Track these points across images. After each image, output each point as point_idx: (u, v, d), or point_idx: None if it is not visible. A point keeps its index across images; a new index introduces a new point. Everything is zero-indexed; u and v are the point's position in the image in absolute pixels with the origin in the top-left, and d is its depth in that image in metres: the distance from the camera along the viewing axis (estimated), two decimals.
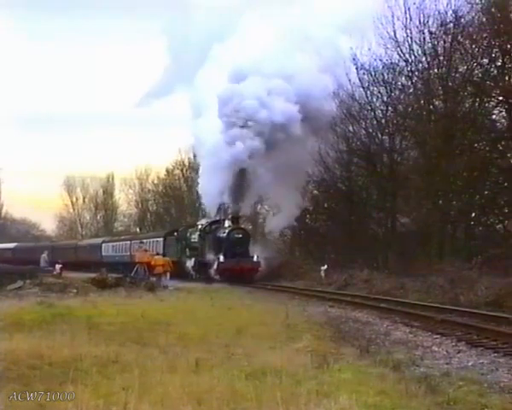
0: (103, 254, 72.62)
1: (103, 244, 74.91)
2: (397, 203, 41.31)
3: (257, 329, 17.78)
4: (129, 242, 68.18)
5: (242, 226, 51.80)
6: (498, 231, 38.65)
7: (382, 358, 13.72)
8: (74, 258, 75.61)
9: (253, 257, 47.24)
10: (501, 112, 35.00)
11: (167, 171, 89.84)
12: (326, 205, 48.77)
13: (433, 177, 36.93)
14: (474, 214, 40.43)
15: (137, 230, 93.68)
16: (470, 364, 13.87)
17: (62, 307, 22.79)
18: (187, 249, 55.19)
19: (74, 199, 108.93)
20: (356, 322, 21.54)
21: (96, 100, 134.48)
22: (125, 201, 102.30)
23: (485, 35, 32.58)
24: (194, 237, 54.19)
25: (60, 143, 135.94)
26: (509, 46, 32.46)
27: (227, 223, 50.23)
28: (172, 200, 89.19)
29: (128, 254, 64.61)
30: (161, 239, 60.02)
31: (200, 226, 54.34)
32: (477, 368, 13.38)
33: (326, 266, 41.35)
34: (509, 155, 34.15)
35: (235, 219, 49.85)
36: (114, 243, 73.18)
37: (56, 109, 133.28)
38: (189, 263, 53.61)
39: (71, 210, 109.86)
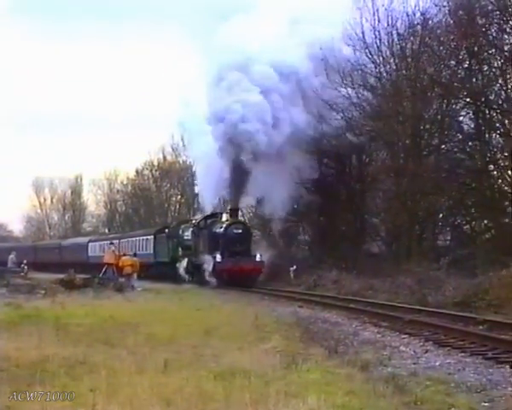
0: (89, 254, 68.59)
1: (90, 244, 70.59)
2: (366, 204, 41.47)
3: (226, 329, 17.78)
4: (117, 241, 62.80)
5: (242, 220, 45.78)
6: (466, 231, 38.93)
7: (350, 358, 13.77)
8: (58, 259, 72.63)
9: (255, 256, 41.40)
10: (468, 113, 35.27)
11: (136, 171, 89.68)
12: (295, 206, 48.86)
13: (401, 177, 37.15)
14: (441, 215, 40.72)
15: (106, 230, 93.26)
16: (437, 364, 13.96)
17: (30, 309, 22.68)
18: (179, 248, 49.79)
19: (42, 200, 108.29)
20: (325, 322, 21.58)
21: (65, 101, 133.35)
22: (93, 201, 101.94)
23: (452, 37, 32.81)
24: (188, 235, 48.50)
25: (28, 144, 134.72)
26: (475, 48, 32.72)
27: (225, 217, 44.45)
28: (141, 200, 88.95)
29: (117, 254, 61.63)
30: (151, 237, 55.92)
31: (193, 222, 49.13)
32: (444, 368, 13.46)
33: (295, 267, 41.40)
34: (476, 156, 34.38)
35: (234, 212, 43.74)
36: (102, 243, 67.86)
37: (25, 110, 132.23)
38: (181, 264, 48.31)
39: (39, 211, 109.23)
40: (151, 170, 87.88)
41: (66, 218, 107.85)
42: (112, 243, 50.74)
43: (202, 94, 45.05)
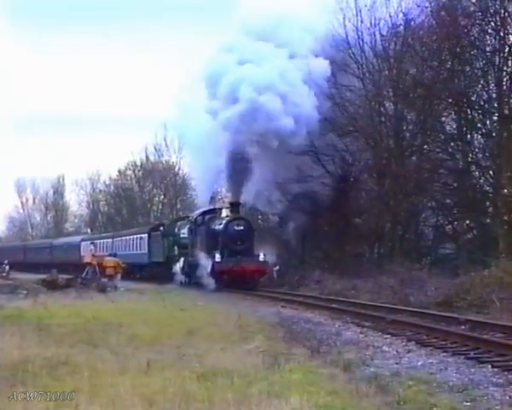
0: (82, 254, 62.16)
1: (82, 243, 66.48)
2: (348, 204, 41.52)
3: (209, 330, 17.78)
4: (111, 240, 61.77)
5: (244, 216, 41.10)
6: (448, 232, 39.08)
7: (333, 358, 13.79)
8: (49, 259, 70.06)
9: (258, 256, 37.65)
10: (450, 114, 35.40)
11: (119, 171, 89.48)
12: (278, 206, 48.81)
13: (383, 178, 37.27)
14: (423, 215, 40.87)
15: (88, 230, 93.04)
16: (420, 363, 14.00)
17: (12, 309, 22.64)
18: (175, 247, 46.32)
19: (24, 200, 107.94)
20: (307, 322, 21.59)
21: (47, 101, 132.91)
22: (75, 201, 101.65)
23: (434, 38, 32.93)
24: (184, 232, 44.98)
25: (10, 145, 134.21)
26: (458, 49, 32.85)
27: (224, 212, 40.90)
28: (124, 200, 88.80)
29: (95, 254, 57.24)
30: (145, 236, 52.65)
31: (191, 218, 45.14)
32: (426, 368, 13.50)
33: (278, 267, 41.34)
34: (458, 156, 34.52)
35: (235, 207, 40.02)
36: (95, 242, 62.20)
37: (6, 110, 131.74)
38: (177, 264, 44.74)
39: (21, 211, 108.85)
40: (134, 170, 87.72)
41: (49, 218, 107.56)
42: (92, 243, 49.68)
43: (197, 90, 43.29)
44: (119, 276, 40.92)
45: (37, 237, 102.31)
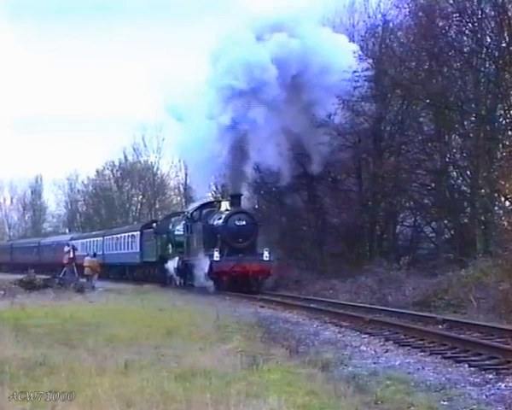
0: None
1: (72, 242, 60.51)
2: (326, 204, 41.56)
3: (187, 330, 17.77)
4: (101, 238, 59.45)
5: (246, 210, 37.22)
6: (425, 232, 39.23)
7: (311, 358, 13.82)
8: (37, 259, 67.46)
9: (262, 254, 34.44)
10: (428, 114, 35.52)
11: (97, 171, 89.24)
12: (256, 206, 48.71)
13: (362, 178, 37.37)
14: (401, 215, 41.01)
15: (66, 230, 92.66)
16: (397, 363, 14.06)
17: None
18: (169, 246, 43.01)
19: (2, 200, 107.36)
20: (286, 322, 21.64)
21: (25, 101, 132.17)
22: (54, 202, 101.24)
23: (412, 39, 33.04)
24: (179, 229, 41.28)
25: None
26: (435, 50, 32.97)
27: (224, 205, 36.92)
28: (103, 200, 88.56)
29: (101, 252, 55.61)
30: (137, 234, 49.69)
31: (186, 213, 41.51)
32: (404, 367, 13.56)
33: None
34: (435, 156, 34.65)
35: (236, 200, 36.53)
36: (85, 241, 63.02)
37: None
38: (171, 264, 41.51)
39: None
40: (112, 170, 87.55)
41: (27, 218, 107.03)
42: (68, 245, 48.46)
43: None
44: (96, 276, 40.81)
45: (14, 237, 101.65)
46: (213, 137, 36.92)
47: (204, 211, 38.44)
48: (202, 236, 36.73)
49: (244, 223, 35.00)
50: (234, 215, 35.17)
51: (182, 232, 40.36)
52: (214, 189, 50.24)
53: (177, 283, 40.42)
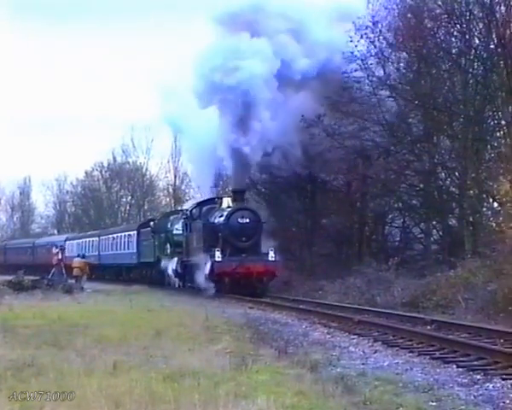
0: (66, 254, 55.99)
1: (67, 242, 61.83)
2: (316, 205, 41.62)
3: (176, 331, 17.75)
4: (97, 238, 57.78)
5: (250, 206, 34.75)
6: (414, 232, 39.33)
7: (300, 359, 13.82)
8: (31, 260, 66.26)
9: (267, 254, 32.24)
10: (417, 115, 35.57)
11: (86, 172, 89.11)
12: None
13: (351, 179, 37.40)
14: (390, 216, 41.11)
15: (55, 231, 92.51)
16: (386, 364, 14.08)
17: None
18: (167, 245, 40.93)
19: None
20: (275, 323, 21.64)
21: (13, 101, 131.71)
22: (42, 202, 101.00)
23: (401, 40, 33.07)
24: (178, 228, 39.13)
25: None
26: (424, 51, 33.04)
27: (226, 202, 34.57)
28: (91, 201, 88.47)
29: (96, 253, 55.47)
30: (134, 233, 47.83)
31: (185, 211, 39.18)
32: (392, 368, 13.58)
33: None
34: (424, 158, 34.72)
35: (239, 195, 34.15)
36: (80, 241, 61.61)
37: None
38: (169, 265, 39.52)
39: None
40: (101, 171, 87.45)
41: (15, 219, 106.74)
42: (56, 246, 47.25)
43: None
44: (85, 277, 40.75)
45: (2, 238, 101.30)
46: (214, 127, 35.33)
47: (204, 208, 36.35)
48: (202, 235, 34.54)
49: (247, 220, 32.68)
50: (236, 212, 32.88)
51: (181, 231, 38.36)
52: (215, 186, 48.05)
53: (176, 285, 38.62)
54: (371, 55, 33.24)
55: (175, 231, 39.71)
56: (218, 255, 31.75)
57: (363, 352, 15.61)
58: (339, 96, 34.73)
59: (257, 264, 31.82)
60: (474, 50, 32.41)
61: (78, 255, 44.81)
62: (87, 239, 60.98)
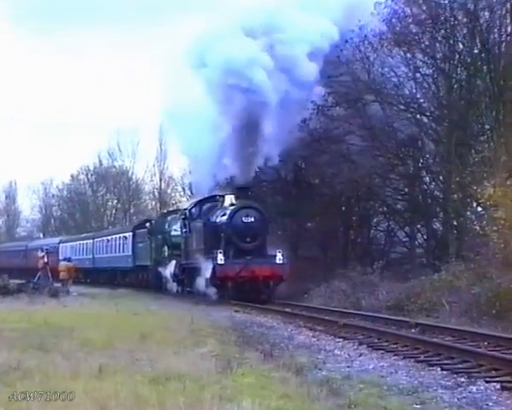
0: (60, 257, 54.37)
1: (61, 245, 60.73)
2: (301, 209, 41.67)
3: (162, 334, 17.71)
4: (91, 241, 55.89)
5: (255, 204, 31.56)
6: (399, 236, 39.43)
7: (285, 362, 13.80)
8: (24, 263, 63.86)
9: (274, 256, 29.97)
10: (402, 120, 35.66)
11: (72, 176, 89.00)
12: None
13: (335, 183, 37.44)
14: (375, 220, 41.20)
15: (41, 235, 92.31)
16: (371, 367, 14.09)
17: None
18: (165, 248, 38.36)
19: None
20: (260, 326, 21.64)
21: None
22: (28, 206, 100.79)
23: (386, 44, 33.16)
24: (176, 229, 36.58)
25: None
26: (409, 55, 33.18)
27: (228, 199, 31.84)
28: (77, 205, 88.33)
29: (91, 256, 54.33)
30: (129, 235, 45.53)
31: (183, 210, 35.91)
32: (377, 371, 13.59)
33: None
34: (409, 162, 34.83)
35: (243, 193, 31.46)
36: (74, 244, 59.86)
37: None
38: (167, 269, 37.09)
39: None
40: (87, 174, 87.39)
41: (1, 223, 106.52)
42: (42, 250, 46.70)
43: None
44: (71, 281, 40.68)
45: None
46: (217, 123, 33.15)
47: (204, 207, 33.65)
48: (203, 235, 31.95)
49: (252, 219, 30.21)
50: (240, 210, 30.38)
51: (179, 232, 35.78)
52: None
53: (174, 290, 36.21)
54: (356, 60, 33.27)
55: (173, 232, 37.51)
56: (220, 258, 29.55)
57: (349, 355, 15.61)
58: (324, 100, 34.76)
59: (263, 267, 29.60)
60: (458, 55, 32.58)
61: (65, 259, 44.67)
62: (81, 242, 59.40)
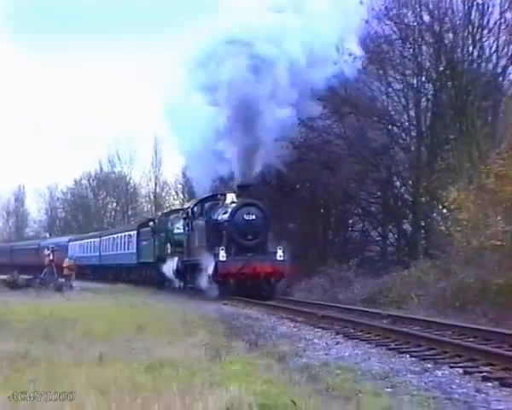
0: (69, 255, 52.47)
1: (70, 244, 59.60)
2: (283, 211, 41.67)
3: (157, 325, 17.68)
4: (98, 239, 54.38)
5: (256, 202, 29.79)
6: (372, 236, 39.52)
7: (269, 350, 13.81)
8: (36, 260, 60.82)
9: (275, 253, 28.42)
10: (375, 130, 35.75)
11: (75, 181, 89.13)
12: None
13: (315, 187, 37.51)
14: (351, 221, 41.27)
15: (47, 234, 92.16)
16: (347, 354, 14.11)
17: None
18: (168, 245, 37.03)
19: None
20: (247, 318, 21.61)
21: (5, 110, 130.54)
22: (35, 208, 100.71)
23: (360, 62, 33.22)
24: (179, 227, 35.05)
25: None
26: (381, 72, 33.34)
27: (230, 197, 30.39)
28: (80, 207, 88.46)
29: (98, 254, 53.12)
30: (134, 233, 44.05)
31: (186, 209, 34.64)
32: (352, 358, 13.61)
33: None
34: (381, 168, 34.92)
35: (244, 191, 29.96)
36: (82, 242, 58.61)
37: None
38: (170, 266, 35.60)
39: None
40: (89, 179, 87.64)
41: (10, 223, 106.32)
42: (48, 248, 46.39)
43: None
44: (73, 276, 40.69)
45: None
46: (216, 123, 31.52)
47: (206, 205, 32.05)
48: (205, 233, 30.45)
49: (254, 217, 28.71)
50: (242, 208, 28.83)
51: (181, 230, 34.21)
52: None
53: (177, 286, 34.77)
54: (333, 76, 33.32)
55: (176, 230, 36.03)
56: (222, 255, 27.94)
57: (326, 344, 15.63)
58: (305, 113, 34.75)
59: (264, 264, 28.06)
60: (425, 72, 32.74)
61: (69, 256, 44.79)
62: (89, 240, 58.07)
